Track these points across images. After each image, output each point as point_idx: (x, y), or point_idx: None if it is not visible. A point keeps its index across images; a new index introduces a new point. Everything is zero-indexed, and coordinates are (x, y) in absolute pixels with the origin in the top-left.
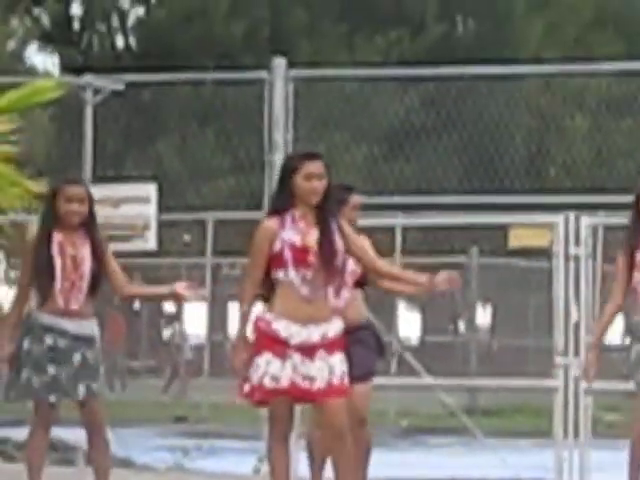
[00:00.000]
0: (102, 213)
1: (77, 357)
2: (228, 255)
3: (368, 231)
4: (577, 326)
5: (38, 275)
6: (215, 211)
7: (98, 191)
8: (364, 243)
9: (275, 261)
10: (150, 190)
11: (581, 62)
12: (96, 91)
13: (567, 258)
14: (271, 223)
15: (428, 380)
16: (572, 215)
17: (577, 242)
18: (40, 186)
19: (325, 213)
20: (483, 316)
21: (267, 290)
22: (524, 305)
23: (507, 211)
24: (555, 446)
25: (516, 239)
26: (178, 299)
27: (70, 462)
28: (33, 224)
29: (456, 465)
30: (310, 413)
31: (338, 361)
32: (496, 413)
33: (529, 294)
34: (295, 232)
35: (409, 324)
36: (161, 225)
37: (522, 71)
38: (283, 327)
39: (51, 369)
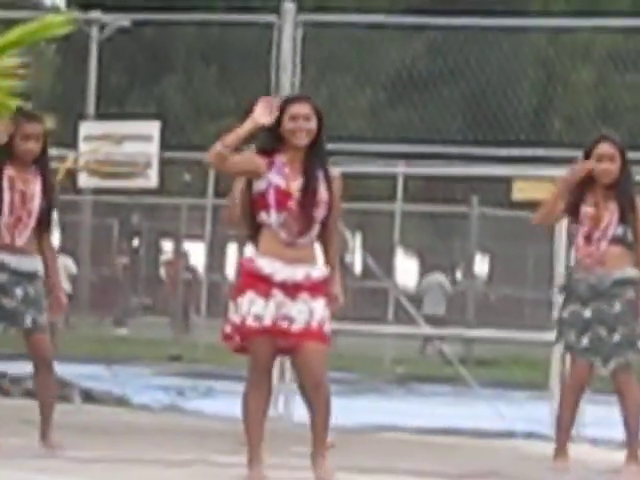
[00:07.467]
0: (104, 150)
1: (19, 291)
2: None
3: (370, 178)
4: None
5: None
6: None
7: (101, 127)
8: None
9: (259, 201)
10: (153, 128)
11: (588, 17)
12: (102, 27)
13: None
14: (261, 159)
15: (425, 329)
16: None
17: None
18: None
19: (312, 160)
20: (481, 266)
21: (254, 230)
22: (523, 257)
23: (510, 163)
24: (550, 399)
25: (520, 192)
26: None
27: (65, 398)
28: None
29: (450, 415)
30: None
31: (320, 306)
32: (492, 364)
33: (528, 246)
34: (281, 176)
35: (407, 271)
36: (163, 163)
37: (528, 24)
38: (267, 263)
39: None
